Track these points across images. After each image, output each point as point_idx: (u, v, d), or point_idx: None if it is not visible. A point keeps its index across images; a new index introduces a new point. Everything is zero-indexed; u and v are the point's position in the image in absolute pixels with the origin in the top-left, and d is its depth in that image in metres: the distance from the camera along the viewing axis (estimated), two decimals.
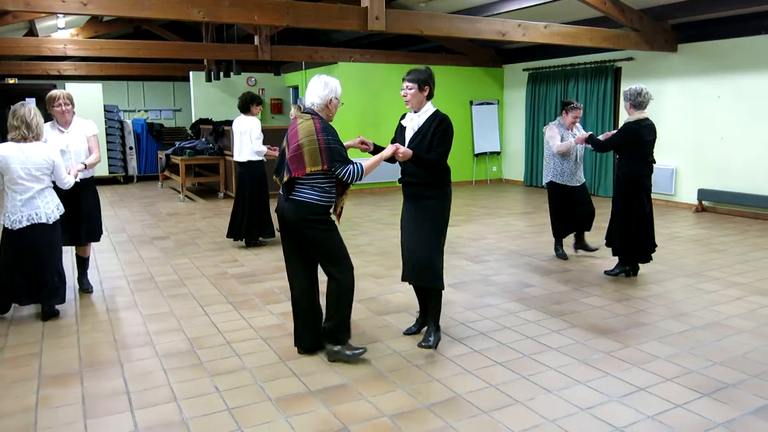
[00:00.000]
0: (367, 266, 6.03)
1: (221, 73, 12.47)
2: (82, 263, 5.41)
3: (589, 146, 5.82)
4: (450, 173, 3.91)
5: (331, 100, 3.66)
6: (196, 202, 10.62)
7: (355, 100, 11.28)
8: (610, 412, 3.13)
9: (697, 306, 4.84)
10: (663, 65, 9.75)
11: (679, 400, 3.27)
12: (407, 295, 5.11)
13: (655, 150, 5.54)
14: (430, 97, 3.90)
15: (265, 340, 4.14)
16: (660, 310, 4.73)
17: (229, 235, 6.98)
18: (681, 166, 9.66)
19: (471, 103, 12.70)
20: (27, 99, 6.37)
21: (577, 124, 6.35)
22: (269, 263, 6.24)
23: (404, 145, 3.85)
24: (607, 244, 5.78)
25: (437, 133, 3.79)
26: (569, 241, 6.58)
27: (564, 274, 5.77)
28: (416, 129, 3.86)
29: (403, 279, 4.00)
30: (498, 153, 13.09)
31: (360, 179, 3.64)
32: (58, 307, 4.70)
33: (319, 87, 3.64)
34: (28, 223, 4.37)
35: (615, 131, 5.62)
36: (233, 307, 4.88)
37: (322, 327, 3.80)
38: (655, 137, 5.44)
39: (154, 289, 5.38)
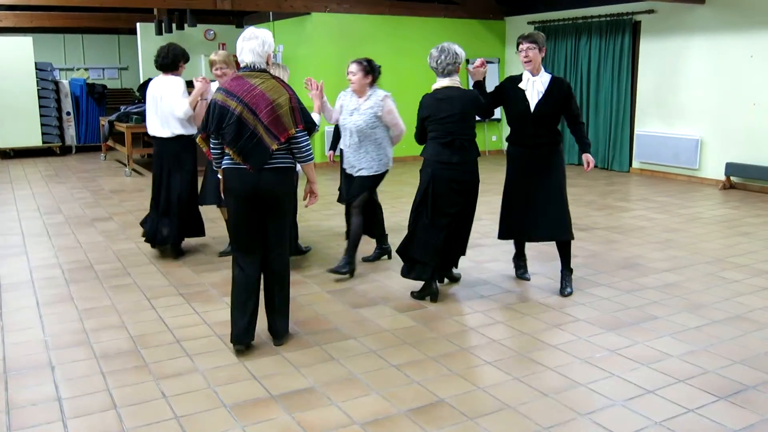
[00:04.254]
0: (341, 252, 6.03)
1: (174, 25, 12.32)
2: None
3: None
4: None
5: (269, 55, 3.87)
6: (144, 177, 10.55)
7: (331, 57, 11.21)
8: (612, 418, 3.20)
9: (718, 297, 4.92)
10: (688, 19, 9.78)
11: (691, 404, 3.34)
12: (385, 285, 5.16)
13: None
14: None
15: (221, 338, 4.16)
16: (675, 302, 4.81)
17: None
18: (706, 137, 9.74)
19: (467, 61, 12.63)
20: None
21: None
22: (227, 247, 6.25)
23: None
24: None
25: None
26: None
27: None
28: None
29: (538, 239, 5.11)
30: (498, 120, 13.11)
31: (309, 160, 3.93)
32: None
33: (256, 44, 3.80)
34: None
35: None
36: (185, 299, 4.89)
37: (271, 324, 4.10)
38: None
39: (93, 280, 5.37)
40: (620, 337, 4.18)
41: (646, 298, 4.90)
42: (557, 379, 3.62)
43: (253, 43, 3.79)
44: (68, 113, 13.53)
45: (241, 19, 12.91)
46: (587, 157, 4.96)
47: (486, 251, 6.17)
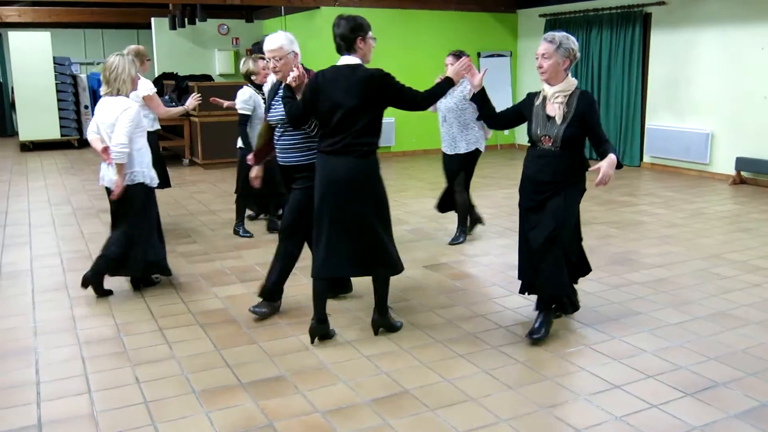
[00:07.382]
0: None
1: (186, 20, 12.48)
2: None
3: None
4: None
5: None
6: None
7: None
8: (573, 412, 3.23)
9: (706, 293, 4.89)
10: (699, 11, 9.66)
11: (655, 399, 3.35)
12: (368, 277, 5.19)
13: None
14: None
15: (203, 327, 4.26)
16: (661, 298, 4.80)
17: None
18: (717, 131, 9.62)
19: (479, 55, 12.65)
20: None
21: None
22: (226, 240, 6.35)
23: None
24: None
25: None
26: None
27: None
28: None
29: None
30: None
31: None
32: None
33: None
34: None
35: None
36: (174, 288, 5.00)
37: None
38: None
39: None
40: (597, 332, 4.19)
41: (632, 294, 4.89)
42: (526, 373, 3.65)
43: None
44: (86, 107, 13.78)
45: (251, 13, 13.03)
46: None
47: (478, 244, 6.19)
